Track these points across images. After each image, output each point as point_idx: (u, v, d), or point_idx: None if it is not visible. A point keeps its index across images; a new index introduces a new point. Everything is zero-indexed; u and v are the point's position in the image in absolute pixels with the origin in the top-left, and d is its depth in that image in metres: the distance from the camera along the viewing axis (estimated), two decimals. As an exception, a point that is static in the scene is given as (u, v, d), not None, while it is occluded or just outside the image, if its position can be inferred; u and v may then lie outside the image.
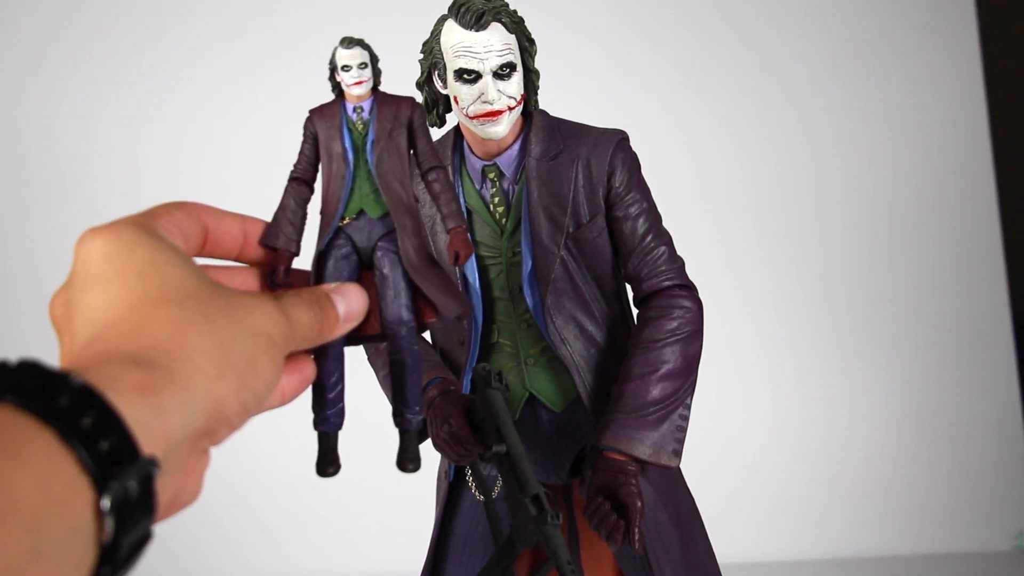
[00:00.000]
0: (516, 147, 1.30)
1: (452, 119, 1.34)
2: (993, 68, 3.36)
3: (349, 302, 0.56)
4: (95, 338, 0.45)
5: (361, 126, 0.68)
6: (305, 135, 0.70)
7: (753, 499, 3.07)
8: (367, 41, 0.72)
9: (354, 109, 0.69)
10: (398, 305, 0.62)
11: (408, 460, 0.65)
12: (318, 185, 0.68)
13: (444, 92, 1.29)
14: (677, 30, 3.33)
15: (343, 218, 0.66)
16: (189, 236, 0.54)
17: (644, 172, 1.33)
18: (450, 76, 1.24)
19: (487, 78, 1.22)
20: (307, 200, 0.68)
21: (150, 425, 0.40)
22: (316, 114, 0.70)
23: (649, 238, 1.29)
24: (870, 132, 3.28)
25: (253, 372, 0.46)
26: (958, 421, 3.21)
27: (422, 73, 1.31)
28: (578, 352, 1.29)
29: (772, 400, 3.20)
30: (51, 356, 0.42)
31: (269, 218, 0.63)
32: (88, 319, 0.46)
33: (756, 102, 3.32)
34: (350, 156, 0.67)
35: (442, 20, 1.25)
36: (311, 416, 0.64)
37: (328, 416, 0.63)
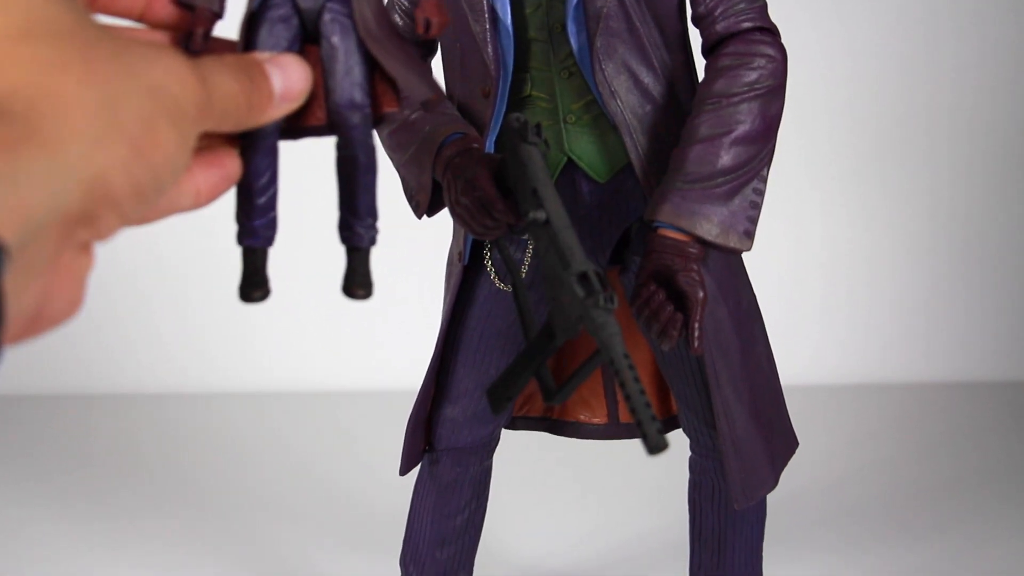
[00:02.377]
0: None
1: None
2: None
3: (287, 75, 0.45)
4: None
5: None
6: None
7: (793, 321, 2.97)
8: None
9: None
10: (350, 84, 0.51)
11: (357, 285, 0.54)
12: None
13: None
14: None
15: None
16: None
17: None
18: None
19: None
20: None
21: None
22: None
23: None
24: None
25: (151, 139, 0.36)
26: (997, 248, 3.13)
27: None
28: (631, 108, 1.07)
29: (797, 220, 3.07)
30: None
31: None
32: None
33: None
34: None
35: None
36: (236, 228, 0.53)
37: (256, 227, 0.53)
